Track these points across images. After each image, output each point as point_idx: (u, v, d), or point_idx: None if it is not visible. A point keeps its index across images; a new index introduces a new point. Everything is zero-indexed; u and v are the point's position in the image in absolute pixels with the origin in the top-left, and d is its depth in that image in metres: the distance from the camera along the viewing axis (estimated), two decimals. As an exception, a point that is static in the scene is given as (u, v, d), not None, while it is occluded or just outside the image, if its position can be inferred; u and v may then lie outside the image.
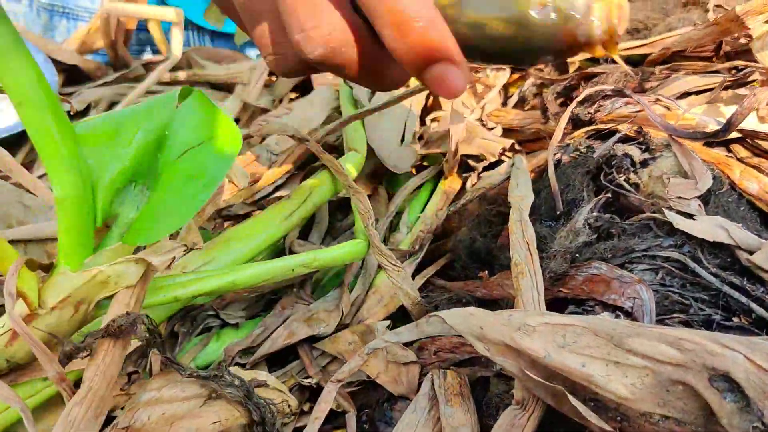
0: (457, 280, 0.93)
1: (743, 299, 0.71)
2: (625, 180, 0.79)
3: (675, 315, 0.72)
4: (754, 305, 0.71)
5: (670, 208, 0.80)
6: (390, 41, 0.53)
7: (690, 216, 0.76)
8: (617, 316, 0.71)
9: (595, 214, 0.80)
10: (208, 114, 0.79)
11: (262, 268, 0.83)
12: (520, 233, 0.81)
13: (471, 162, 1.05)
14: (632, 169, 0.80)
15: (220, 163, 0.74)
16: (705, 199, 0.78)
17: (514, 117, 1.12)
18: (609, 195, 0.80)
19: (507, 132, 1.11)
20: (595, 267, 0.76)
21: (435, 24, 0.52)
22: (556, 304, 0.77)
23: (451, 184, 1.05)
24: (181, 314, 0.89)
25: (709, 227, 0.73)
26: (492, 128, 1.09)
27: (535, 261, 0.78)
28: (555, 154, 0.92)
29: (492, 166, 1.06)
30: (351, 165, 1.02)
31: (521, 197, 0.86)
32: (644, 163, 0.81)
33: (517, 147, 1.07)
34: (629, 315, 0.71)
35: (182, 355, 0.86)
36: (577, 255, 0.79)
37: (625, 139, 0.89)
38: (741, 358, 0.57)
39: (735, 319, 0.72)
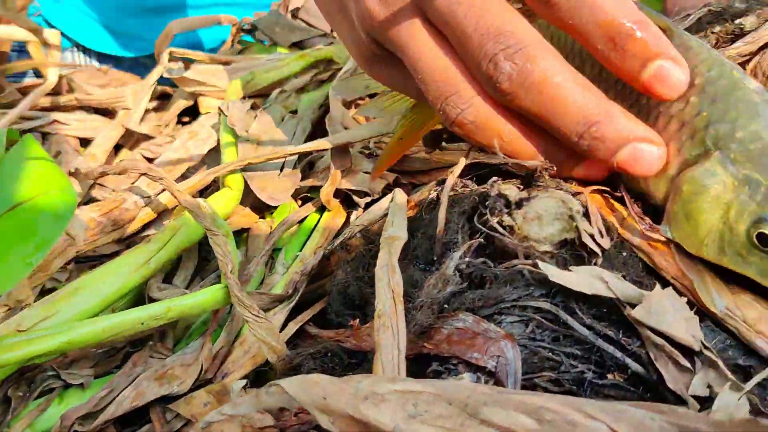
0: (332, 327, 0.86)
1: (618, 354, 0.66)
2: (498, 222, 0.74)
3: (545, 373, 0.67)
4: (629, 360, 0.66)
5: (547, 253, 0.75)
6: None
7: (566, 265, 0.70)
8: (479, 378, 0.65)
9: (467, 259, 0.74)
10: (39, 165, 0.71)
11: (104, 325, 0.75)
12: (386, 279, 0.74)
13: (355, 197, 0.98)
14: (506, 210, 0.75)
15: (53, 222, 0.66)
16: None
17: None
18: (481, 239, 0.74)
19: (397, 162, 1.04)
20: (461, 319, 0.70)
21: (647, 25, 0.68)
22: (421, 360, 0.71)
23: (333, 219, 0.98)
24: (16, 376, 0.79)
25: (586, 279, 0.68)
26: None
27: (399, 312, 0.71)
28: (435, 191, 0.86)
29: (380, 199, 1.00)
30: (224, 201, 0.94)
31: (393, 238, 0.80)
32: (519, 204, 0.75)
33: (402, 180, 1.01)
34: (492, 375, 0.65)
35: (16, 422, 0.77)
36: (445, 305, 0.73)
37: (509, 174, 0.84)
38: (604, 429, 0.52)
39: (609, 376, 0.67)
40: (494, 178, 0.80)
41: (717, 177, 0.70)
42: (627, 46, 0.69)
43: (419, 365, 0.70)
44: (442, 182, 0.84)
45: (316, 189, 1.08)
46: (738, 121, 0.71)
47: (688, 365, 0.65)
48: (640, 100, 0.78)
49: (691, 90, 0.73)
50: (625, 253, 0.76)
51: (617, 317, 0.69)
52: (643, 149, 0.72)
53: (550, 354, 0.67)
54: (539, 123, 0.76)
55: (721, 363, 0.64)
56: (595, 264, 0.72)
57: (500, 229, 0.76)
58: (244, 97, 1.21)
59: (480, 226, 0.77)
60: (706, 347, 0.66)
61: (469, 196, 0.80)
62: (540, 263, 0.68)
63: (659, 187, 0.76)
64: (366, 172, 0.99)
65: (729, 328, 0.70)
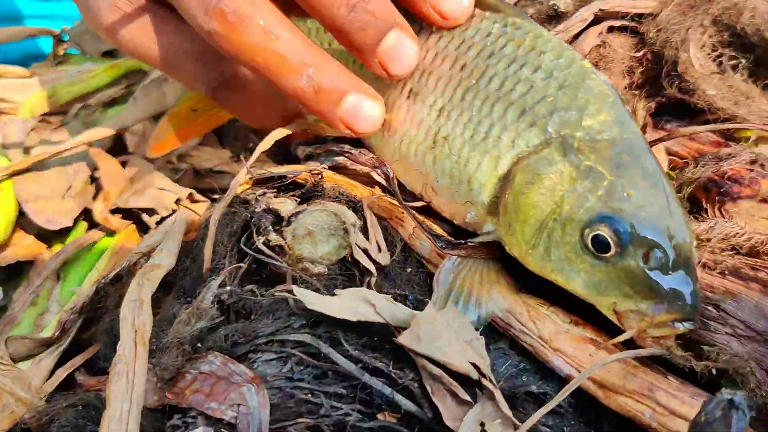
0: (103, 373, 0.74)
1: (387, 390, 0.56)
2: (265, 242, 0.63)
3: (302, 419, 0.56)
4: (399, 397, 0.56)
5: (322, 275, 0.65)
6: None
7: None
8: (218, 431, 0.55)
9: (228, 288, 0.63)
10: None
11: None
12: (131, 318, 0.63)
13: (144, 215, 0.87)
14: (272, 228, 0.64)
15: None
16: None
17: (209, 156, 0.95)
18: (254, 264, 0.64)
19: (199, 176, 0.93)
20: (209, 362, 0.59)
21: None
22: (172, 410, 0.60)
23: (122, 244, 0.86)
24: None
25: (351, 304, 0.59)
26: (181, 171, 0.91)
27: (140, 357, 0.60)
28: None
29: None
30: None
31: (152, 267, 0.68)
32: (290, 220, 0.65)
33: (197, 197, 0.89)
34: (233, 428, 0.54)
35: None
36: (199, 344, 0.62)
37: (295, 186, 0.73)
38: None
39: (380, 416, 0.57)
40: (263, 191, 0.69)
41: (555, 166, 0.60)
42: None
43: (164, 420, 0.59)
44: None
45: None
46: (588, 109, 0.62)
47: (469, 399, 0.56)
48: (478, 85, 0.67)
49: (535, 74, 0.65)
50: (410, 269, 0.66)
51: (392, 347, 0.59)
52: (363, 103, 0.68)
53: (310, 396, 0.57)
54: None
55: (498, 394, 0.55)
56: (368, 283, 0.63)
57: (266, 251, 0.65)
58: (50, 113, 1.08)
59: (246, 249, 0.67)
60: (483, 375, 0.56)
61: (241, 214, 0.69)
62: (295, 288, 0.58)
63: (485, 191, 0.66)
64: (160, 189, 0.87)
65: (526, 348, 0.61)
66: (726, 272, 0.60)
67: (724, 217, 0.64)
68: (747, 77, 0.76)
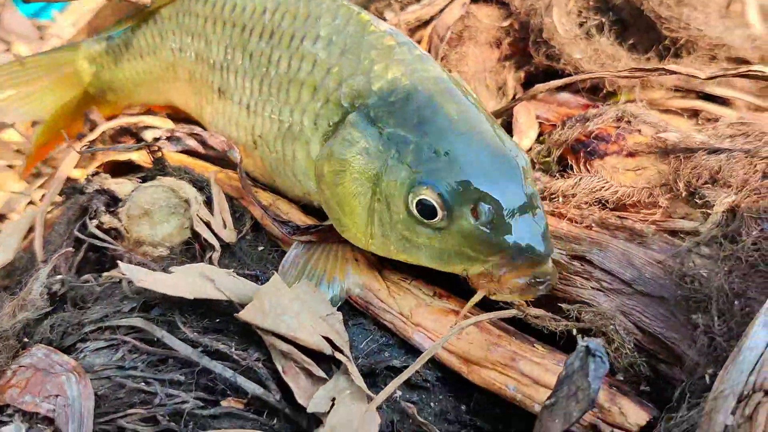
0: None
1: (229, 373, 0.51)
2: (98, 226, 0.57)
3: (134, 410, 0.50)
4: (242, 380, 0.51)
5: (165, 258, 0.59)
6: None
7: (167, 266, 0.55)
8: (32, 427, 0.48)
9: (60, 277, 0.57)
10: None
11: None
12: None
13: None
14: (106, 210, 0.58)
15: None
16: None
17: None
18: (74, 250, 0.58)
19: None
20: (31, 354, 0.53)
21: None
22: None
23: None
24: None
25: (188, 279, 0.53)
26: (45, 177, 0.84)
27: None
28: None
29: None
30: None
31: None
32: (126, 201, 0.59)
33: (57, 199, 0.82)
34: (51, 422, 0.48)
35: None
36: (26, 339, 0.55)
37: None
38: None
39: (224, 403, 0.51)
40: (95, 170, 0.64)
41: (357, 144, 0.56)
42: None
43: None
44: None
45: None
46: (374, 70, 0.58)
47: (324, 375, 0.51)
48: (269, 73, 0.63)
49: (316, 45, 0.61)
50: (262, 248, 0.61)
51: (236, 327, 0.54)
52: None
53: (143, 384, 0.50)
54: None
55: (351, 367, 0.50)
56: (210, 259, 0.57)
57: (100, 234, 0.59)
58: None
59: (81, 235, 0.60)
60: (337, 349, 0.52)
61: (77, 200, 0.63)
62: (122, 265, 0.52)
63: (311, 180, 0.61)
64: (13, 192, 0.80)
65: (387, 326, 0.57)
66: (592, 225, 0.57)
67: (590, 173, 0.61)
68: (614, 40, 0.75)
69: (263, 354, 0.52)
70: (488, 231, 0.51)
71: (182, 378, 0.51)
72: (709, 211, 0.53)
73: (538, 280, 0.50)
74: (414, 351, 0.55)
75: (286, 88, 0.61)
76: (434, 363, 0.55)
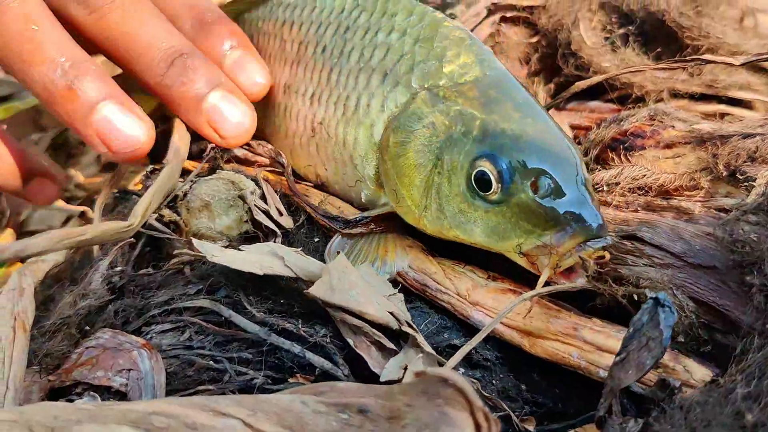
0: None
1: (297, 349, 0.52)
2: (159, 218, 0.59)
3: (204, 386, 0.51)
4: (310, 355, 0.52)
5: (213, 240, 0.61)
6: None
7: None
8: (99, 398, 0.49)
9: (119, 268, 0.59)
10: None
11: None
12: (11, 306, 0.58)
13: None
14: (168, 204, 0.61)
15: None
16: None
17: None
18: (134, 243, 0.59)
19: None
20: (97, 338, 0.54)
21: None
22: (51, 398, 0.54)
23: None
24: None
25: (258, 257, 0.55)
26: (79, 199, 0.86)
27: (18, 342, 0.54)
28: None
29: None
30: None
31: (39, 261, 0.63)
32: (186, 194, 0.61)
33: (91, 214, 0.84)
34: (123, 396, 0.49)
35: None
36: (87, 327, 0.56)
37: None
38: (239, 426, 0.38)
39: (292, 380, 0.52)
40: (152, 167, 0.66)
41: (425, 119, 0.59)
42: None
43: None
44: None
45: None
46: (446, 56, 0.62)
47: (394, 347, 0.52)
48: (339, 63, 0.68)
49: (390, 36, 0.65)
50: (318, 239, 0.63)
51: (301, 307, 0.55)
52: (120, 117, 0.60)
53: (212, 362, 0.52)
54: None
55: (420, 337, 0.52)
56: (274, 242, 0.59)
57: (159, 226, 0.61)
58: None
59: (141, 229, 0.62)
60: (407, 323, 0.53)
61: (132, 198, 0.66)
62: (195, 241, 0.54)
63: (368, 164, 0.64)
64: (51, 209, 0.82)
65: (444, 307, 0.58)
66: (638, 209, 0.60)
67: (630, 164, 0.64)
68: (638, 50, 0.79)
69: (329, 331, 0.53)
70: (547, 204, 0.53)
71: (250, 356, 0.52)
72: (752, 183, 0.55)
73: (593, 244, 0.52)
74: (473, 330, 0.56)
75: (356, 75, 0.65)
76: (494, 342, 0.56)
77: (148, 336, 0.53)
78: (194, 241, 0.53)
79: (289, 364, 0.52)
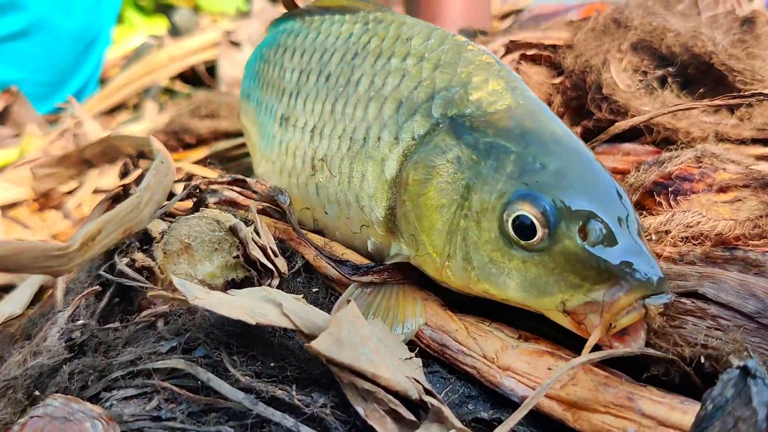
0: None
1: (289, 422, 0.42)
2: (130, 264, 0.50)
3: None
4: (305, 429, 0.42)
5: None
6: None
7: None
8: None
9: (81, 322, 0.49)
10: None
11: None
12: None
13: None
14: (142, 247, 0.52)
15: None
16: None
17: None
18: (99, 289, 0.51)
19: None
20: (45, 405, 0.44)
21: None
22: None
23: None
24: None
25: (250, 303, 0.46)
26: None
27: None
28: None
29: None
30: None
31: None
32: (162, 235, 0.53)
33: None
34: (69, 479, 0.39)
35: None
36: (36, 392, 0.47)
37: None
38: None
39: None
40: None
41: (450, 152, 0.51)
42: None
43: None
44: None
45: None
46: (472, 82, 0.54)
47: (414, 419, 0.42)
48: (346, 92, 0.60)
49: (405, 62, 0.57)
50: (317, 290, 0.54)
51: (296, 371, 0.46)
52: None
53: (185, 438, 0.42)
54: None
55: (447, 410, 0.42)
56: (269, 286, 0.50)
57: (130, 273, 0.52)
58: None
59: (106, 275, 0.53)
60: (428, 392, 0.44)
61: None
62: (175, 278, 0.45)
63: (378, 205, 0.55)
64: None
65: (468, 372, 0.49)
66: (695, 261, 0.51)
67: (681, 209, 0.56)
68: (678, 92, 0.72)
69: (330, 400, 0.44)
70: (597, 253, 0.44)
71: (232, 430, 0.42)
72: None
73: (653, 301, 0.43)
74: (503, 400, 0.47)
75: (364, 105, 0.57)
76: (529, 415, 0.46)
77: (108, 403, 0.44)
78: (174, 278, 0.44)
79: (277, 438, 0.42)
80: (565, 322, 0.47)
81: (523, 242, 0.46)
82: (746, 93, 0.61)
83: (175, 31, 2.17)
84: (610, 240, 0.45)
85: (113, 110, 1.55)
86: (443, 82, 0.55)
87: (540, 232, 0.45)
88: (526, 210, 0.46)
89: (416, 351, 0.48)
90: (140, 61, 1.59)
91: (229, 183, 0.64)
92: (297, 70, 0.66)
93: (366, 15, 0.64)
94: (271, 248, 0.51)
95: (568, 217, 0.45)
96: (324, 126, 0.60)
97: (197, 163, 0.95)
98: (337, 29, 0.64)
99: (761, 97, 0.59)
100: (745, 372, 0.36)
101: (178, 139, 1.04)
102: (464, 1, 1.14)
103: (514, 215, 0.46)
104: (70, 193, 1.03)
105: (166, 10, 2.43)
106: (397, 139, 0.54)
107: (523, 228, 0.46)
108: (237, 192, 0.64)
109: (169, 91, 1.67)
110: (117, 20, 1.97)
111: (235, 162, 0.98)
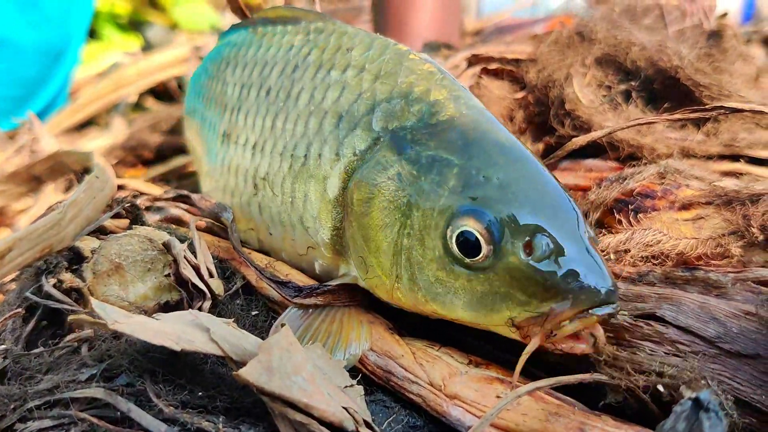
0: None
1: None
2: (57, 285, 0.47)
3: None
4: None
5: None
6: None
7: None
8: None
9: (3, 347, 0.46)
10: None
11: None
12: None
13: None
14: (68, 266, 0.49)
15: None
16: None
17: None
18: (25, 312, 0.47)
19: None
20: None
21: None
22: None
23: None
24: None
25: (176, 328, 0.43)
26: None
27: None
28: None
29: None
30: None
31: None
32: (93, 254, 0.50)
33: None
34: None
35: None
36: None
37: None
38: None
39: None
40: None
41: (392, 168, 0.48)
42: None
43: None
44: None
45: None
46: (413, 93, 0.51)
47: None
48: (286, 107, 0.57)
49: (345, 74, 0.55)
50: (256, 312, 0.52)
51: (227, 401, 0.43)
52: None
53: (99, 474, 0.39)
54: None
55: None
56: (201, 309, 0.47)
57: (57, 295, 0.49)
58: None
59: (33, 297, 0.50)
60: (366, 424, 0.41)
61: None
62: (94, 302, 0.42)
63: (322, 226, 0.53)
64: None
65: (414, 401, 0.46)
66: (655, 282, 0.49)
67: (641, 227, 0.53)
68: (644, 107, 0.70)
69: (261, 431, 0.41)
70: (543, 269, 0.42)
71: (151, 465, 0.39)
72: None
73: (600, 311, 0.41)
74: (450, 431, 0.44)
75: (305, 120, 0.55)
76: (476, 447, 0.44)
77: (23, 435, 0.40)
78: (93, 301, 0.41)
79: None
80: (515, 335, 0.44)
81: (468, 260, 0.44)
82: (707, 107, 0.59)
83: (149, 48, 2.14)
84: (557, 254, 0.42)
85: (83, 126, 1.52)
86: (384, 93, 0.52)
87: (485, 248, 0.43)
88: (471, 226, 0.43)
89: (358, 378, 0.46)
90: (108, 77, 1.56)
91: (174, 199, 0.61)
92: (239, 84, 0.63)
93: (307, 26, 0.61)
94: (207, 267, 0.49)
95: (513, 232, 0.43)
96: (265, 143, 0.57)
97: (154, 179, 0.92)
98: (278, 41, 0.62)
99: (722, 110, 0.57)
100: (698, 404, 0.33)
101: (137, 155, 1.01)
102: (432, 15, 1.12)
103: (458, 231, 0.44)
104: (24, 211, 1.00)
105: (140, 26, 2.41)
106: (338, 155, 0.52)
107: (468, 245, 0.43)
108: (183, 209, 0.62)
109: (140, 107, 1.64)
110: (92, 36, 1.94)
111: (192, 179, 0.95)
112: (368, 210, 0.48)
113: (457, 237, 0.44)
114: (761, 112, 0.55)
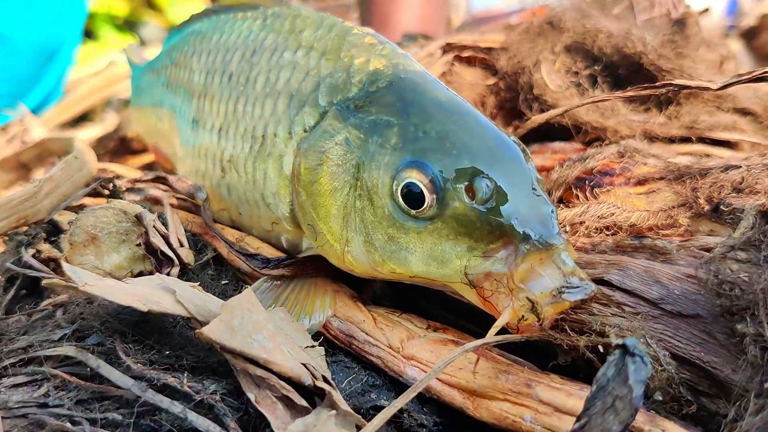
0: None
1: (177, 408, 0.42)
2: (34, 255, 0.50)
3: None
4: (193, 416, 0.41)
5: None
6: None
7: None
8: None
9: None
10: None
11: None
12: None
13: None
14: (46, 238, 0.51)
15: None
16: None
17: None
18: (5, 284, 0.50)
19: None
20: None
21: None
22: None
23: None
24: None
25: (143, 290, 0.45)
26: None
27: None
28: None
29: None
30: None
31: None
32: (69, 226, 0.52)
33: None
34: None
35: None
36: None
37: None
38: None
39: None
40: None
41: (338, 135, 0.50)
42: None
43: None
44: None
45: None
46: (353, 65, 0.54)
47: (306, 404, 0.42)
48: (246, 92, 0.60)
49: (296, 54, 0.58)
50: (225, 282, 0.54)
51: (193, 360, 0.45)
52: None
53: (69, 424, 0.41)
54: None
55: (336, 394, 0.42)
56: (168, 275, 0.50)
57: (35, 264, 0.51)
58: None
59: (13, 267, 0.53)
60: (324, 379, 0.43)
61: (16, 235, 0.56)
62: (65, 264, 0.44)
63: (282, 202, 0.55)
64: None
65: (373, 362, 0.48)
66: (606, 251, 0.51)
67: (597, 201, 0.56)
68: (609, 91, 0.72)
69: (223, 387, 0.43)
70: (487, 210, 0.44)
71: (120, 418, 0.42)
72: (739, 215, 0.47)
73: (569, 286, 0.42)
74: (406, 389, 0.46)
75: (262, 102, 0.57)
76: (432, 404, 0.46)
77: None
78: (65, 264, 0.43)
79: (169, 427, 0.41)
80: (472, 296, 0.45)
81: (414, 212, 0.45)
82: (657, 84, 0.61)
83: (143, 46, 2.17)
84: (500, 196, 0.44)
85: (77, 122, 1.54)
86: (327, 69, 0.55)
87: (428, 198, 0.45)
88: (414, 177, 0.45)
89: (321, 340, 0.48)
90: (101, 73, 1.59)
91: (153, 180, 0.63)
92: (203, 71, 0.66)
93: (264, 11, 0.64)
94: (178, 238, 0.51)
95: (453, 178, 0.45)
96: (229, 126, 0.60)
97: (143, 167, 0.95)
98: (238, 27, 0.65)
99: (671, 87, 0.59)
100: (624, 350, 0.36)
101: (126, 146, 1.04)
102: (418, 11, 1.14)
103: (402, 184, 0.46)
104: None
105: (135, 26, 2.44)
106: (290, 133, 0.54)
107: (413, 197, 0.45)
108: (163, 190, 0.64)
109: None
110: (89, 36, 1.97)
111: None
112: (316, 177, 0.50)
113: (402, 190, 0.46)
114: (707, 89, 0.57)
